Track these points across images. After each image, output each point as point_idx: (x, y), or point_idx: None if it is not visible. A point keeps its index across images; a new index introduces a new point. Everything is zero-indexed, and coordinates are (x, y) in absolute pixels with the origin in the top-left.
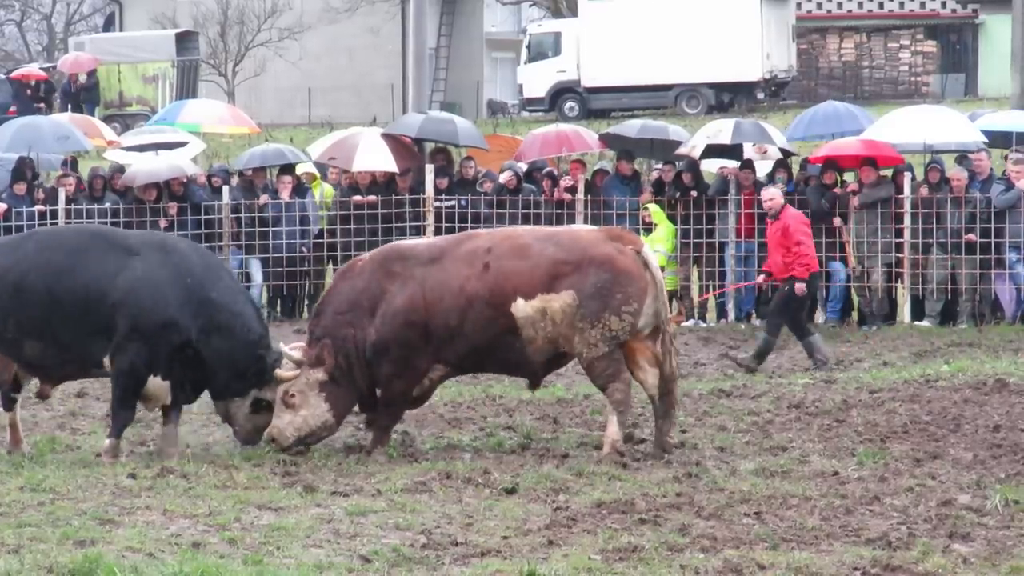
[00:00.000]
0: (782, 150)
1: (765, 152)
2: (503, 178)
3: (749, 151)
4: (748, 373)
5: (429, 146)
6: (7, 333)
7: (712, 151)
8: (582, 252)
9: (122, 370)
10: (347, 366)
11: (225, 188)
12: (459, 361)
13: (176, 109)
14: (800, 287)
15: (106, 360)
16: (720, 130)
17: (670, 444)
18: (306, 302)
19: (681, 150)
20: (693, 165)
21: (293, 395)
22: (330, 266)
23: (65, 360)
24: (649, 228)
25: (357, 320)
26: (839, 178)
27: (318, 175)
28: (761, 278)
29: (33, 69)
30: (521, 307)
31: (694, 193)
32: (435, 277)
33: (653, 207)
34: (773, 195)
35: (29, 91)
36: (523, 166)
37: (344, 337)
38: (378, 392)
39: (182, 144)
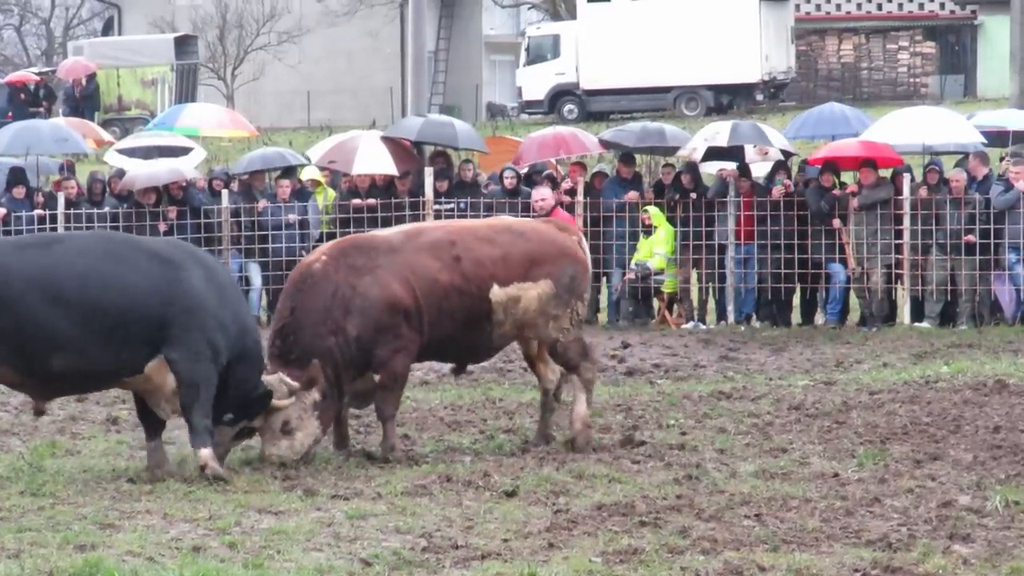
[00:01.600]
0: (782, 151)
1: (766, 154)
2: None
3: (750, 153)
4: None
5: (429, 149)
6: (30, 344)
7: (712, 153)
8: (555, 245)
9: (196, 384)
10: (335, 376)
11: (224, 192)
12: (426, 348)
13: (175, 113)
14: None
15: (151, 365)
16: (718, 132)
17: (552, 436)
18: None
19: (683, 152)
20: (692, 167)
21: (291, 423)
22: None
23: (89, 373)
24: (649, 230)
25: (336, 326)
26: (837, 180)
27: (323, 181)
28: None
29: (28, 73)
30: (496, 293)
31: (693, 195)
32: (405, 264)
33: (653, 209)
34: (544, 196)
35: (23, 96)
36: (524, 169)
37: (328, 348)
38: (377, 380)
39: (185, 150)
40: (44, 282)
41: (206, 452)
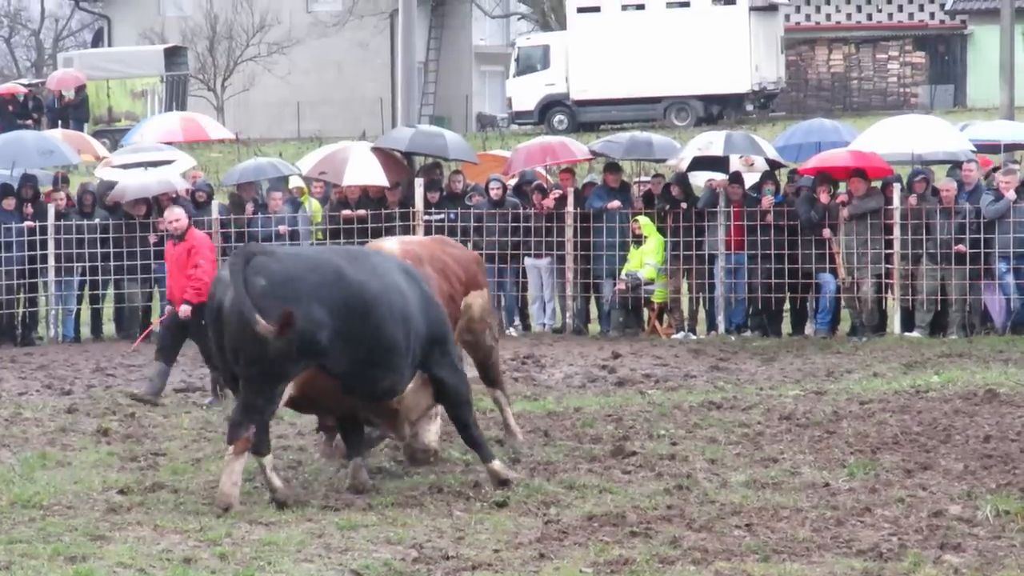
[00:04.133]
0: (770, 161)
1: (752, 164)
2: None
3: (736, 163)
4: (150, 405)
5: (420, 160)
6: (343, 364)
7: (700, 163)
8: (475, 256)
9: (469, 401)
10: None
11: (214, 203)
12: None
13: (131, 133)
14: (186, 310)
15: (410, 385)
16: (711, 142)
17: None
18: None
19: (671, 162)
20: (682, 178)
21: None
22: None
23: (384, 392)
24: (640, 240)
25: None
26: (832, 189)
27: (307, 189)
28: (168, 310)
29: (16, 85)
30: (467, 299)
31: (683, 205)
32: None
33: (643, 219)
34: (179, 216)
35: (11, 107)
36: (513, 180)
37: None
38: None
39: (169, 162)
40: (388, 300)
41: (499, 464)
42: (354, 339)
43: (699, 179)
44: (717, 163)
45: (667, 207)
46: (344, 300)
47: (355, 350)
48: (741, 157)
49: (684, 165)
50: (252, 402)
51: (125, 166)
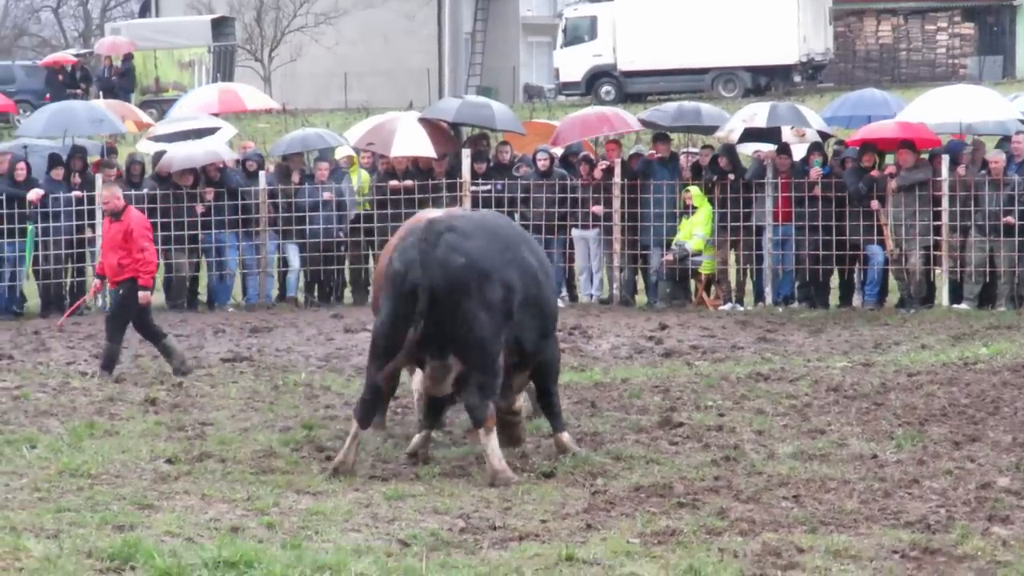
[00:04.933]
0: (819, 132)
1: (803, 135)
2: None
3: (787, 134)
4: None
5: (466, 131)
6: (528, 335)
7: (750, 135)
8: None
9: (558, 370)
10: None
11: (261, 173)
12: None
13: (174, 107)
14: (145, 295)
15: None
16: (755, 113)
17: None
18: (345, 287)
19: (718, 134)
20: (730, 149)
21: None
22: (369, 251)
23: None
24: (690, 210)
25: None
26: (877, 160)
27: (356, 158)
28: (96, 283)
29: (65, 55)
30: None
31: (731, 177)
32: None
33: (695, 189)
34: (116, 194)
35: (61, 77)
36: (558, 150)
37: None
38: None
39: (212, 131)
40: (547, 269)
41: (567, 436)
42: (532, 309)
43: (747, 150)
44: (768, 135)
45: (715, 178)
46: (525, 270)
47: (532, 320)
48: (792, 128)
49: (734, 137)
50: (482, 381)
51: (170, 135)
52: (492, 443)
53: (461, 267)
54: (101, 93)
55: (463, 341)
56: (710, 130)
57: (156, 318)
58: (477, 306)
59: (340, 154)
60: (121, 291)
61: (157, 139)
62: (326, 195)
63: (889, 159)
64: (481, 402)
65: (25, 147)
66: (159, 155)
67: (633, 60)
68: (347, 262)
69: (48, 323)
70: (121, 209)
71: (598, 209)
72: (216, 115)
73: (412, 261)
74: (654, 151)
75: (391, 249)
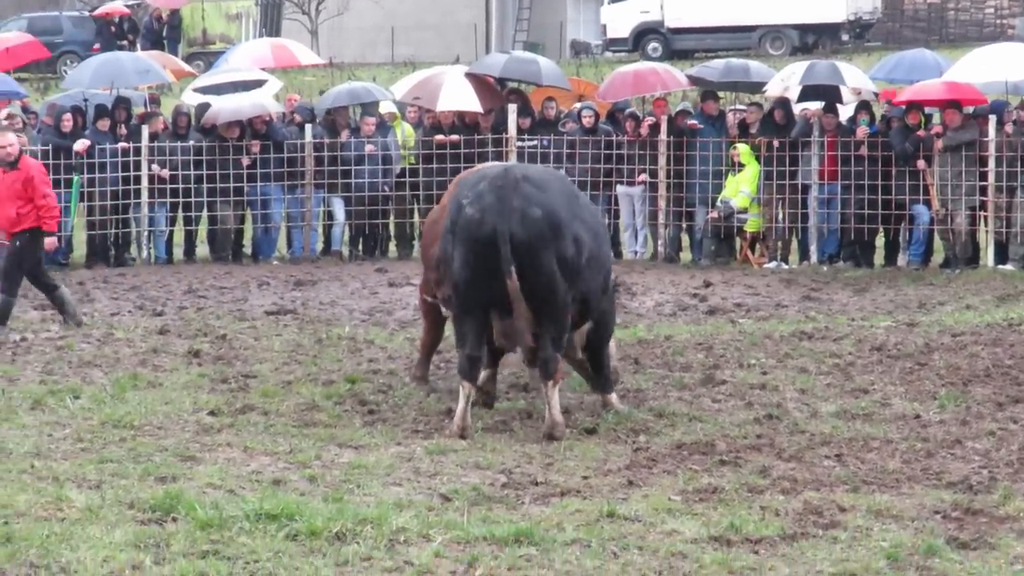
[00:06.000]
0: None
1: (859, 93)
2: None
3: (847, 93)
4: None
5: (512, 86)
6: (592, 290)
7: (809, 93)
8: None
9: (612, 327)
10: None
11: (308, 126)
12: None
13: (221, 59)
14: (52, 240)
15: None
16: (793, 72)
17: None
18: (390, 241)
19: (771, 92)
20: (785, 103)
21: None
22: (414, 206)
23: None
24: (738, 168)
25: None
26: (923, 119)
27: (399, 114)
28: None
29: (116, 6)
30: None
31: (785, 134)
32: None
33: (743, 147)
34: (12, 142)
35: (113, 28)
36: (608, 105)
37: None
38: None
39: (258, 83)
40: (603, 225)
41: (615, 397)
42: (594, 264)
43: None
44: (827, 92)
45: (760, 139)
46: (589, 226)
47: (595, 275)
48: (852, 87)
49: (793, 95)
50: (556, 334)
51: (217, 87)
52: (555, 396)
53: (538, 219)
54: (150, 45)
55: (540, 296)
56: (758, 87)
57: (201, 270)
58: (553, 260)
59: (383, 110)
60: (19, 242)
61: (203, 91)
62: (369, 148)
63: (935, 119)
64: (550, 356)
65: (86, 99)
66: (202, 107)
67: (680, 17)
68: (392, 216)
69: (92, 273)
70: (16, 158)
71: (644, 177)
72: (266, 70)
73: (489, 207)
74: (694, 122)
75: (449, 199)
